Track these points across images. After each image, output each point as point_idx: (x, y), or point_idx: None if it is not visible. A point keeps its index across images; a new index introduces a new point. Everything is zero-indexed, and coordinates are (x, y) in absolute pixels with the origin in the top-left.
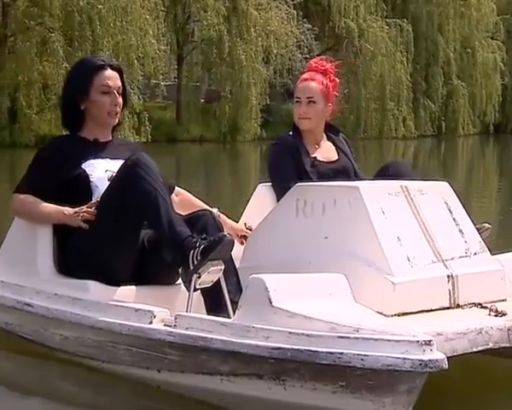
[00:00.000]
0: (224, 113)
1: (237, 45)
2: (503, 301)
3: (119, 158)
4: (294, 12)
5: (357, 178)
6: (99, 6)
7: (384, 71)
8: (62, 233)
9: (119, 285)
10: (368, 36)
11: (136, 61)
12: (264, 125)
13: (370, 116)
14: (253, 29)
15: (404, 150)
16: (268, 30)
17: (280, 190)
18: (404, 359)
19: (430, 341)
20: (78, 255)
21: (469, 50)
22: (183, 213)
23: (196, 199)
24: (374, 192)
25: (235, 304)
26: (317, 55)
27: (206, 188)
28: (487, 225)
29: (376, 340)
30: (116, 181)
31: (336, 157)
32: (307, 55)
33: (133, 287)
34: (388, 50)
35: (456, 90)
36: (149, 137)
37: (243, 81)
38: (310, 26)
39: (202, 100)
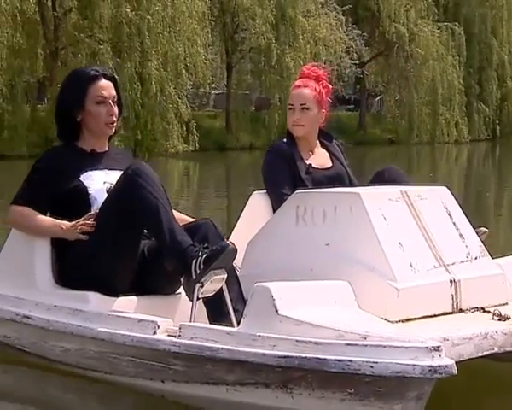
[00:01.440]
0: (274, 120)
1: (286, 53)
2: (504, 305)
3: (116, 169)
4: (343, 18)
5: (351, 184)
6: (147, 17)
7: (436, 75)
8: (60, 244)
9: (118, 296)
10: (419, 40)
11: (184, 71)
12: None
13: (423, 121)
14: (301, 36)
15: (457, 155)
16: (316, 37)
17: (275, 198)
18: (414, 365)
19: (439, 346)
20: (77, 266)
21: None
22: None
23: (184, 215)
24: (375, 198)
25: (237, 312)
26: (368, 61)
27: None
28: (484, 228)
29: (385, 347)
30: (116, 191)
31: (330, 164)
32: (357, 61)
33: (134, 297)
34: (440, 54)
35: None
36: (197, 145)
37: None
38: (359, 31)
39: (253, 108)
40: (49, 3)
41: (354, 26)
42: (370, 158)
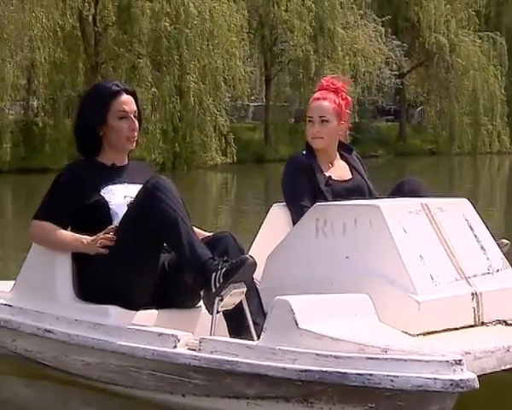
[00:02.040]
0: None
1: (324, 65)
2: None
3: (136, 182)
4: (382, 29)
5: (371, 196)
6: (186, 30)
7: (477, 85)
8: (81, 258)
9: (139, 309)
10: (459, 50)
11: (222, 84)
12: (353, 143)
13: (464, 131)
14: (340, 48)
15: (499, 165)
16: (355, 48)
17: (295, 210)
18: (435, 379)
19: (460, 360)
20: (97, 280)
21: None
22: None
23: (202, 231)
24: (395, 211)
25: (257, 326)
26: (408, 72)
27: None
28: (506, 241)
29: (406, 360)
30: (135, 204)
31: (350, 176)
32: (396, 72)
33: (154, 311)
34: (481, 64)
35: None
36: (235, 157)
37: None
38: (399, 42)
39: (292, 120)
40: (90, 19)
41: (394, 36)
42: (410, 169)
